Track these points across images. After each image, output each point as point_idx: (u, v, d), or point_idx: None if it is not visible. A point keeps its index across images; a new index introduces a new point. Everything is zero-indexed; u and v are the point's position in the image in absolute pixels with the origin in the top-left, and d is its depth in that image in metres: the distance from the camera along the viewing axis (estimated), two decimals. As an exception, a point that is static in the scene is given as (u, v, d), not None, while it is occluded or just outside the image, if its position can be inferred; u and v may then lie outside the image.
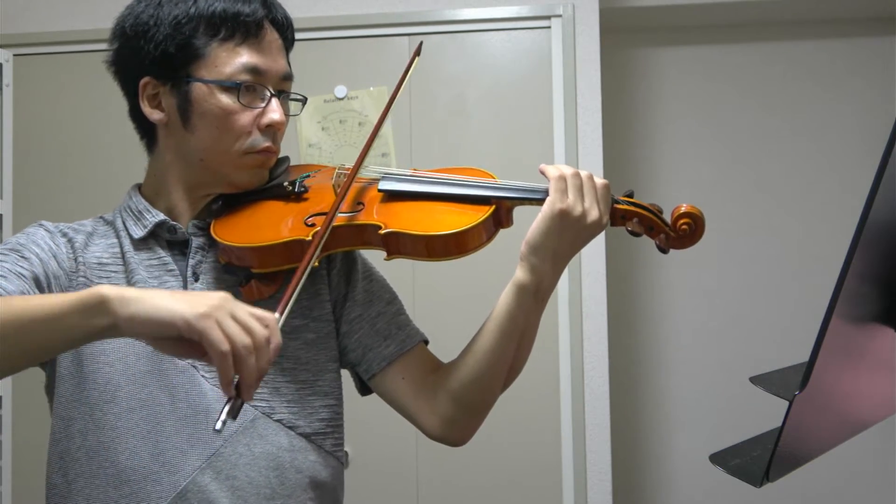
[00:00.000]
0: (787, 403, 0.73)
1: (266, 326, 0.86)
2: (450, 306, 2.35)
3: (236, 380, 0.84)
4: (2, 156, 2.48)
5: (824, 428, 0.86)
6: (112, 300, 0.84)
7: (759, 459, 0.83)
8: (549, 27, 2.43)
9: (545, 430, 2.36)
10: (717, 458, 0.86)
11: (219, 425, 0.82)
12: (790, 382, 1.00)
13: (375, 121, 2.45)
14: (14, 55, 2.50)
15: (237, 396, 0.85)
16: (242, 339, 0.83)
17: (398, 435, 2.36)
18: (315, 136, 2.47)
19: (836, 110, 2.87)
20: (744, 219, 2.88)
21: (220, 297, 0.85)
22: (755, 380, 1.05)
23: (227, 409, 0.84)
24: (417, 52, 1.26)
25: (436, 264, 2.31)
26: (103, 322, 0.84)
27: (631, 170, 2.93)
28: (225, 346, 0.82)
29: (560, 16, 2.43)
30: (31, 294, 1.02)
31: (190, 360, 1.08)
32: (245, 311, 0.85)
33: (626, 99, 2.94)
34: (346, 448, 2.44)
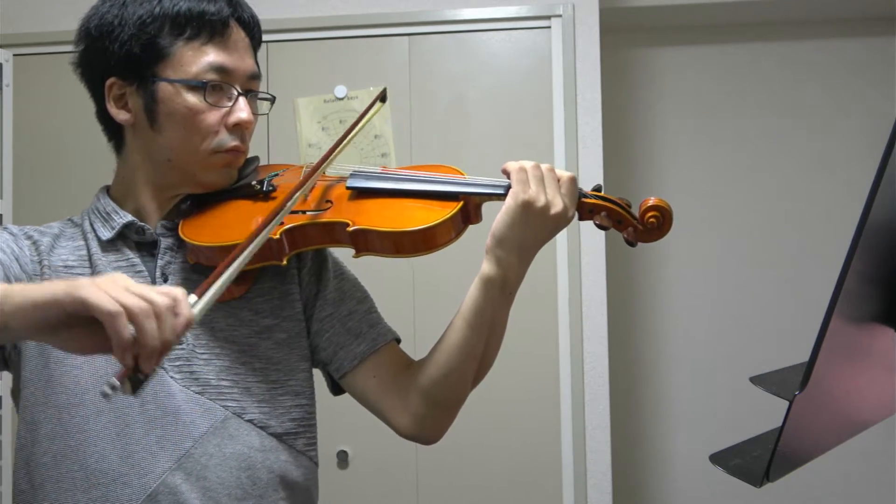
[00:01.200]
0: (787, 403, 0.73)
1: (170, 297, 0.80)
2: (450, 304, 2.34)
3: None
4: (2, 156, 2.48)
5: (824, 428, 0.86)
6: None
7: (759, 459, 0.83)
8: (549, 27, 2.43)
9: (545, 430, 2.36)
10: (717, 458, 0.86)
11: (106, 388, 0.76)
12: (790, 382, 1.00)
13: (375, 121, 2.45)
14: (14, 55, 2.50)
15: (136, 368, 0.77)
16: (136, 301, 0.77)
17: (398, 435, 2.37)
18: (315, 137, 2.47)
19: (836, 110, 2.87)
20: (743, 218, 2.88)
21: (113, 274, 0.81)
22: (755, 380, 1.05)
23: (124, 380, 0.77)
24: (382, 98, 1.24)
25: (438, 263, 2.31)
26: None
27: (630, 169, 2.93)
28: (113, 306, 0.76)
29: (560, 16, 2.43)
30: None
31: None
32: (145, 286, 0.80)
33: (626, 99, 2.94)
34: (345, 448, 2.45)
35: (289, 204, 1.05)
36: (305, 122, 2.46)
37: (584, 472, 2.35)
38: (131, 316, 0.76)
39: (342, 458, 2.42)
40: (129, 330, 0.76)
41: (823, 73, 2.88)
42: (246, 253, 0.96)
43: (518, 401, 2.32)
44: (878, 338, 0.81)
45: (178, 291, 0.81)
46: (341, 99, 2.46)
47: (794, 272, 2.84)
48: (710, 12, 2.79)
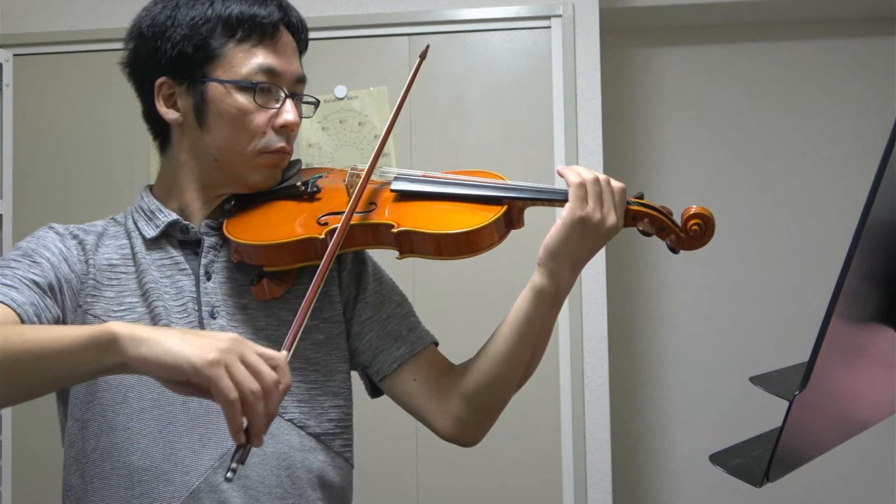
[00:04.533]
0: (787, 403, 0.73)
1: (275, 368, 0.86)
2: (449, 307, 2.35)
3: (245, 425, 0.85)
4: (2, 156, 2.48)
5: (824, 428, 0.86)
6: (123, 339, 0.84)
7: (759, 459, 0.83)
8: (549, 27, 2.43)
9: (545, 430, 2.36)
10: (717, 458, 0.86)
11: (229, 475, 0.84)
12: (790, 382, 1.00)
13: (375, 121, 2.45)
14: (14, 55, 2.50)
15: (247, 442, 0.85)
16: (251, 385, 0.84)
17: (398, 435, 2.36)
18: (315, 136, 2.47)
19: (836, 110, 2.87)
20: (744, 219, 2.88)
21: (230, 340, 0.85)
22: (755, 380, 1.05)
23: (237, 456, 0.85)
24: (423, 56, 1.27)
25: (439, 265, 2.31)
26: (113, 360, 0.85)
27: (631, 170, 2.93)
28: (233, 395, 0.82)
29: (560, 16, 2.43)
30: (42, 303, 1.02)
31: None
32: (254, 353, 0.86)
33: (626, 99, 2.94)
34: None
35: (348, 208, 1.09)
36: (305, 122, 2.46)
37: (584, 472, 2.35)
38: (244, 401, 0.83)
39: (342, 458, 2.42)
40: (242, 417, 0.84)
41: (823, 73, 2.88)
42: (317, 281, 1.01)
43: (518, 401, 2.31)
44: (878, 338, 0.81)
45: (280, 359, 0.88)
46: (341, 99, 2.46)
47: (794, 272, 2.84)
48: (710, 12, 2.79)
